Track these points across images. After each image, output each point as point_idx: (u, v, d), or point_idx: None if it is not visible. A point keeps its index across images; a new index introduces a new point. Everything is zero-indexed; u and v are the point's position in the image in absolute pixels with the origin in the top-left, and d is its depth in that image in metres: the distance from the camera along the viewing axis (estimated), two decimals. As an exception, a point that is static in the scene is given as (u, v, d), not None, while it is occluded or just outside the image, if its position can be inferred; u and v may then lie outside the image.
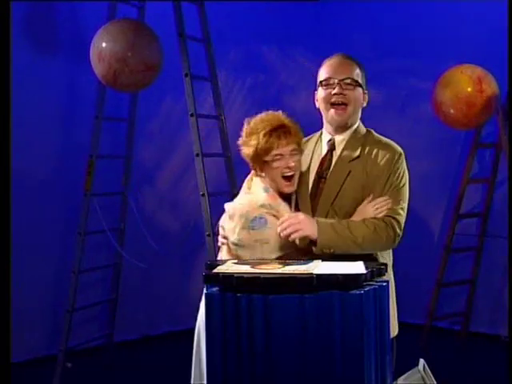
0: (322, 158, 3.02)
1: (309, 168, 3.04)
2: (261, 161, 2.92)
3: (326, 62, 3.04)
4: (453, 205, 5.99)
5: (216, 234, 3.16)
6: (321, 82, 3.00)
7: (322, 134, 3.11)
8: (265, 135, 2.88)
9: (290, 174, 2.92)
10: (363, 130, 3.07)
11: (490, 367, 5.25)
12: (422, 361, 2.70)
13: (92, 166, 5.31)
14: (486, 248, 6.04)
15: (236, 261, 2.64)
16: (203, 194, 5.07)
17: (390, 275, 2.95)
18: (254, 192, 2.97)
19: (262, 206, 2.88)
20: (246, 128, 2.96)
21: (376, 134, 3.08)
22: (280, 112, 2.98)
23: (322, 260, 2.63)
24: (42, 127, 5.61)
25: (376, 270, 2.50)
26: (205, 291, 2.43)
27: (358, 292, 2.33)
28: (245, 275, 2.40)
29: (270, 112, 2.98)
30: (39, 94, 5.59)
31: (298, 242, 2.81)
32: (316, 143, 3.09)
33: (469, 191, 5.92)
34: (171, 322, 6.32)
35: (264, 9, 6.36)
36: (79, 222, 5.33)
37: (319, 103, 3.04)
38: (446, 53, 5.89)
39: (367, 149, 2.98)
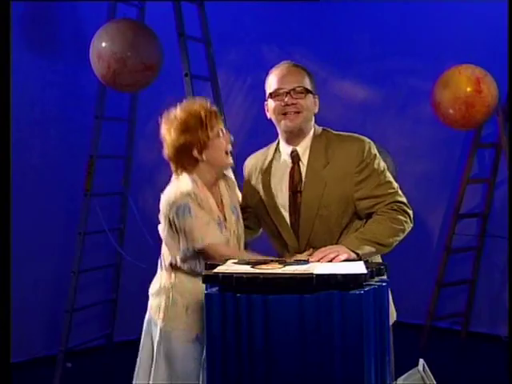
0: (290, 172, 2.96)
1: (269, 184, 3.00)
2: (199, 147, 2.97)
3: (274, 71, 2.97)
4: (453, 205, 5.99)
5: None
6: (270, 93, 2.93)
7: (277, 147, 3.05)
8: (205, 117, 2.97)
9: (231, 148, 3.06)
10: (319, 131, 3.01)
11: (490, 367, 5.25)
12: (421, 361, 2.70)
13: (92, 166, 5.31)
14: (486, 248, 6.04)
15: (236, 260, 2.64)
16: (204, 194, 5.06)
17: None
18: (182, 181, 3.01)
19: (188, 194, 2.94)
20: (173, 121, 3.02)
21: (334, 132, 3.01)
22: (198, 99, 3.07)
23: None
24: (41, 127, 5.61)
25: (376, 269, 2.50)
26: (204, 291, 2.43)
27: (357, 292, 2.33)
28: (244, 275, 2.39)
29: (189, 100, 3.10)
30: (39, 93, 5.59)
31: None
32: (273, 157, 3.03)
33: (469, 191, 5.92)
34: (171, 322, 6.31)
35: (264, 8, 6.35)
36: (79, 222, 5.33)
37: (271, 114, 2.97)
38: (447, 53, 5.88)
39: (334, 150, 2.92)
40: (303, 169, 2.94)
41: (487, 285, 6.00)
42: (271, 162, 3.03)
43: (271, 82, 2.94)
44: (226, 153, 3.03)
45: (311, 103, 2.94)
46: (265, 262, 2.57)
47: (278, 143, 3.06)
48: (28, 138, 5.43)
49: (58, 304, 5.53)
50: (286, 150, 2.99)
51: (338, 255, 2.65)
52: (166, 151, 3.04)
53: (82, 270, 5.36)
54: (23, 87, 5.30)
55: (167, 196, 2.99)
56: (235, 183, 3.21)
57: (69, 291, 5.28)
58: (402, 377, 2.78)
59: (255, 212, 3.11)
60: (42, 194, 5.61)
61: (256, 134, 6.54)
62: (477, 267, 6.07)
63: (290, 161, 2.96)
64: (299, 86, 2.89)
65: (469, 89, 5.29)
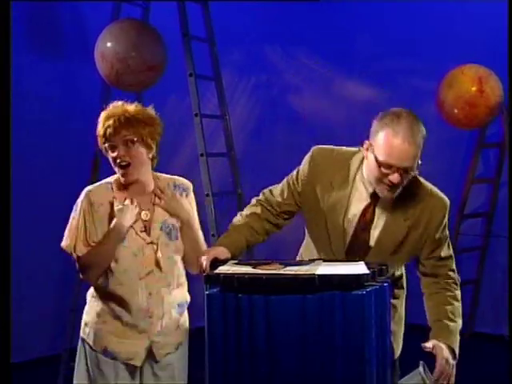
0: (365, 209, 2.79)
1: (346, 210, 2.81)
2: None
3: (391, 131, 2.62)
4: (457, 205, 5.98)
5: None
6: (380, 161, 2.64)
7: (358, 176, 2.80)
8: (103, 125, 2.91)
9: (123, 163, 2.91)
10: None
11: (495, 367, 5.24)
12: (421, 363, 2.70)
13: (97, 165, 5.32)
14: (491, 248, 6.03)
15: (237, 261, 2.64)
16: (208, 194, 5.07)
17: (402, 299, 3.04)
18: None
19: (85, 192, 2.96)
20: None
21: (424, 183, 2.84)
22: (132, 103, 3.02)
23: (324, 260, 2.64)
24: (46, 127, 5.62)
25: (377, 270, 2.50)
26: (206, 292, 2.43)
27: (359, 292, 2.33)
28: (246, 276, 2.39)
29: (120, 102, 3.01)
30: (44, 93, 5.61)
31: None
32: (353, 182, 2.81)
33: (473, 191, 5.91)
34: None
35: (268, 9, 6.36)
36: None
37: (369, 170, 2.72)
38: (450, 53, 5.88)
39: (420, 204, 2.78)
40: (379, 212, 2.79)
41: (492, 285, 6.00)
42: (353, 180, 2.82)
43: (385, 149, 2.63)
44: (120, 167, 2.92)
45: (409, 178, 2.73)
46: (266, 263, 2.57)
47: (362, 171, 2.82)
48: (31, 138, 5.44)
49: (63, 303, 5.54)
50: (366, 187, 2.80)
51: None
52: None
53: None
54: (27, 87, 5.31)
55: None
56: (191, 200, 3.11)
57: (73, 290, 5.28)
58: (403, 378, 2.78)
59: (304, 212, 2.93)
60: (46, 193, 5.62)
61: (259, 133, 6.57)
62: (481, 267, 6.06)
63: (368, 198, 2.80)
64: (409, 167, 2.65)
65: (471, 89, 5.30)
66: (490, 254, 6.03)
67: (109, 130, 2.89)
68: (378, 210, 2.78)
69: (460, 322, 2.87)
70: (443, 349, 2.76)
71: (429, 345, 2.74)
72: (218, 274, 2.42)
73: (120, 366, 2.96)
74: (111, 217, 2.91)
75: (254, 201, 2.94)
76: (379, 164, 2.64)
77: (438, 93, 5.44)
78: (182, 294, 3.06)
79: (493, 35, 5.64)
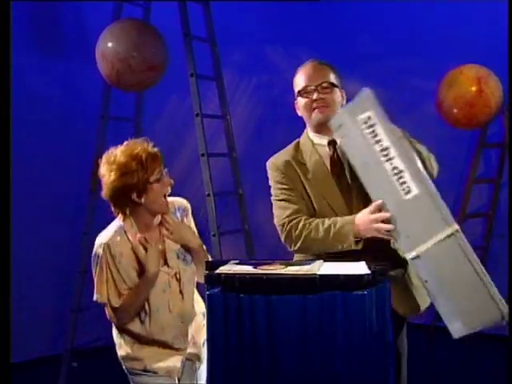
0: (331, 158, 2.99)
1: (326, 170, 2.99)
2: (138, 190, 2.89)
3: (300, 70, 3.09)
4: (459, 205, 5.97)
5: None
6: (299, 91, 3.05)
7: (313, 143, 3.06)
8: (147, 159, 2.90)
9: (168, 191, 2.99)
10: None
11: (497, 368, 5.23)
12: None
13: (98, 166, 5.32)
14: (492, 248, 6.02)
15: (238, 261, 2.64)
16: (208, 194, 5.07)
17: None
18: (109, 226, 3.03)
19: (100, 245, 2.95)
20: (113, 163, 2.93)
21: None
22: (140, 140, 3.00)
23: (324, 260, 2.64)
24: (46, 127, 5.63)
25: (378, 270, 2.49)
26: (207, 292, 2.43)
27: (360, 292, 2.33)
28: (247, 276, 2.39)
29: (131, 142, 2.98)
30: (44, 93, 5.61)
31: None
32: (311, 151, 3.04)
33: (475, 191, 5.91)
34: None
35: (269, 8, 6.36)
36: (84, 222, 5.34)
37: (301, 112, 3.07)
38: (451, 53, 5.88)
39: None
40: (341, 153, 2.97)
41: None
42: (312, 148, 3.04)
43: (299, 81, 3.07)
44: (164, 196, 2.98)
45: (338, 97, 3.05)
46: (267, 263, 2.57)
47: (307, 141, 3.08)
48: (32, 139, 5.45)
49: (64, 303, 5.54)
50: (321, 141, 3.04)
51: None
52: (105, 192, 2.95)
53: (88, 269, 5.35)
54: (27, 86, 5.32)
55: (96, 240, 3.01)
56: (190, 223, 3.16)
57: (74, 290, 5.29)
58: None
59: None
60: (47, 194, 5.62)
61: (260, 134, 6.57)
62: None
63: (328, 149, 3.01)
64: (325, 82, 3.02)
65: (470, 89, 5.30)
66: (492, 254, 6.03)
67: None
68: (341, 154, 2.97)
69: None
70: None
71: None
72: (219, 274, 2.42)
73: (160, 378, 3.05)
74: (134, 262, 2.96)
75: (292, 226, 2.95)
76: (301, 95, 3.03)
77: (437, 93, 5.44)
78: (201, 304, 3.16)
79: (493, 35, 5.64)
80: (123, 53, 4.78)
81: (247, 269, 2.48)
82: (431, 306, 6.36)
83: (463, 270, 2.60)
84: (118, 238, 2.96)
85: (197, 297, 3.15)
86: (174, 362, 3.03)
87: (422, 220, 2.60)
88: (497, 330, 5.99)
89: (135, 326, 3.02)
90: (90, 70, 5.09)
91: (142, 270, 2.95)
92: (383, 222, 2.71)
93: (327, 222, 2.87)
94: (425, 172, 2.79)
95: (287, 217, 2.95)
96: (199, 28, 5.37)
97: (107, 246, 2.93)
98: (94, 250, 2.98)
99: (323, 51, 6.46)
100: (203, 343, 3.08)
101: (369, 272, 2.41)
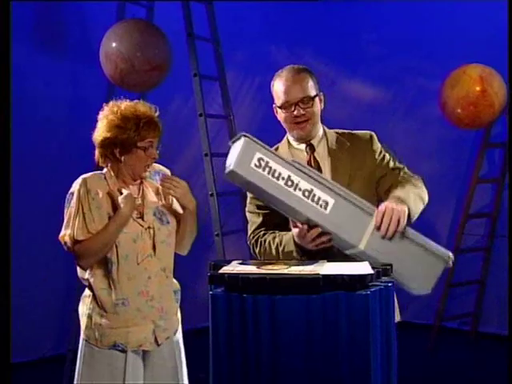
0: (308, 162, 2.97)
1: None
2: (126, 147, 2.94)
3: (278, 79, 2.96)
4: (462, 205, 5.97)
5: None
6: (279, 106, 2.96)
7: (289, 145, 3.05)
8: (144, 124, 2.94)
9: (150, 163, 3.01)
10: (326, 129, 3.07)
11: (499, 367, 5.23)
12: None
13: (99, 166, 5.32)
14: (495, 248, 6.02)
15: (241, 261, 2.64)
16: (212, 194, 5.08)
17: None
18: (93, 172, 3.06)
19: (77, 182, 3.01)
20: (113, 112, 2.98)
21: (344, 131, 3.09)
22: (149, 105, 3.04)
23: (328, 260, 2.64)
24: (50, 127, 5.63)
25: (382, 270, 2.50)
26: (210, 292, 2.43)
27: (364, 292, 2.33)
28: (251, 276, 2.39)
29: (142, 103, 3.04)
30: (48, 93, 5.61)
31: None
32: (287, 155, 2.99)
33: (478, 191, 5.90)
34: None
35: (272, 8, 6.36)
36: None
37: (282, 122, 3.01)
38: (454, 52, 5.87)
39: (347, 140, 3.01)
40: (319, 158, 2.98)
41: (496, 285, 5.99)
42: (289, 150, 3.04)
43: (278, 93, 2.96)
44: (146, 167, 3.00)
45: (318, 106, 2.98)
46: (270, 263, 2.57)
47: (285, 145, 3.07)
48: (34, 139, 5.45)
49: (67, 303, 5.54)
50: (299, 146, 3.03)
51: (399, 219, 2.69)
52: (95, 135, 3.02)
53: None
54: (31, 86, 5.32)
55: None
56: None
57: (77, 291, 5.28)
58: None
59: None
60: (49, 193, 5.62)
61: (264, 134, 6.56)
62: (486, 267, 6.05)
63: (305, 153, 3.00)
64: (305, 97, 2.93)
65: (473, 88, 5.29)
66: (495, 254, 6.02)
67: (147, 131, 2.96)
68: (318, 158, 2.98)
69: (416, 197, 2.84)
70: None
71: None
72: (223, 274, 2.42)
73: (130, 355, 2.99)
74: (108, 205, 2.97)
75: (253, 243, 2.99)
76: (281, 108, 2.94)
77: (440, 93, 5.43)
78: (175, 282, 3.14)
79: (497, 35, 5.63)
80: (127, 53, 4.79)
81: (250, 269, 2.48)
82: (432, 307, 6.35)
83: (401, 246, 2.70)
84: (97, 178, 3.01)
85: (172, 269, 3.11)
86: (144, 332, 2.99)
87: (349, 222, 2.69)
88: (503, 329, 5.98)
89: (102, 279, 2.98)
90: (94, 70, 5.09)
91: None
92: (318, 235, 2.71)
93: (276, 239, 2.90)
94: (329, 178, 2.85)
95: (252, 233, 3.01)
96: (202, 28, 5.38)
97: (84, 181, 2.99)
98: (71, 189, 3.01)
99: (327, 51, 6.49)
100: (175, 331, 3.09)
101: (372, 272, 2.41)
